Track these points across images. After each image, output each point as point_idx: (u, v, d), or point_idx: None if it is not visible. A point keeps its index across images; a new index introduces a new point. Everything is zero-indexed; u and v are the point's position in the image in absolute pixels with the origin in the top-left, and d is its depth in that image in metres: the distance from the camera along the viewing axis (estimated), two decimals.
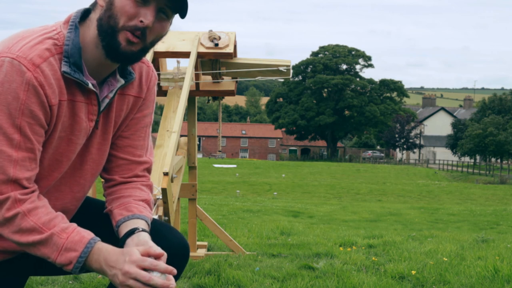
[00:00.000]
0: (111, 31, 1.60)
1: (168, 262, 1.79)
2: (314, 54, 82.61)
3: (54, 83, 1.58)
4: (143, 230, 1.70)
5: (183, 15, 1.68)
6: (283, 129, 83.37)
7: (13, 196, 1.55)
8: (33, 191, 1.61)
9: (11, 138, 1.54)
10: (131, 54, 1.64)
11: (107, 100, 1.73)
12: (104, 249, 1.60)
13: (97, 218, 1.85)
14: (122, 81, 1.74)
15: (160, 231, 1.84)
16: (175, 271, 1.58)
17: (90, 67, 1.67)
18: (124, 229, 1.72)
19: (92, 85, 1.66)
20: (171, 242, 1.82)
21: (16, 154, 1.55)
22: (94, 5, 1.68)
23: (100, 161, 1.82)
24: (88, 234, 1.61)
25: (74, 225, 1.63)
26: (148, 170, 1.92)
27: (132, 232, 1.69)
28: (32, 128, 1.56)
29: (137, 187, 1.87)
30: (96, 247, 1.60)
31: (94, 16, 1.65)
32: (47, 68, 1.57)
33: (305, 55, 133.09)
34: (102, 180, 1.92)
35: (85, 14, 1.69)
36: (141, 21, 1.60)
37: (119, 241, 1.71)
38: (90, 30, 1.65)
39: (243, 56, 4.53)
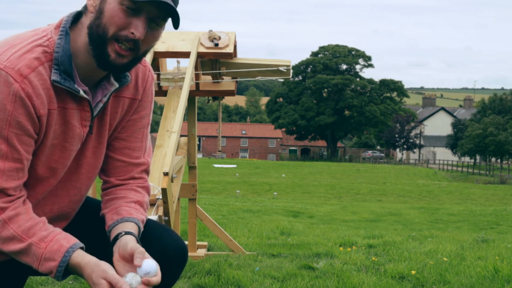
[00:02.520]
0: (101, 42, 1.57)
1: (165, 263, 1.77)
2: (314, 54, 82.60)
3: (43, 93, 1.56)
4: (127, 233, 1.67)
5: (175, 26, 1.63)
6: (283, 129, 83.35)
7: None
8: (18, 198, 1.60)
9: None
10: (122, 66, 1.62)
11: (101, 105, 1.70)
12: (78, 264, 1.58)
13: (96, 219, 1.84)
14: (116, 85, 1.71)
15: (156, 233, 1.83)
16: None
17: (83, 72, 1.64)
18: (112, 234, 1.71)
19: (84, 91, 1.64)
20: (167, 244, 1.81)
21: (3, 164, 1.54)
22: (85, 8, 1.64)
23: (96, 164, 1.81)
24: (67, 242, 1.59)
25: (55, 232, 1.62)
26: (146, 172, 1.90)
27: (116, 238, 1.68)
28: (19, 138, 1.55)
29: (132, 189, 1.85)
30: (74, 256, 1.58)
31: (85, 21, 1.61)
32: (35, 79, 1.54)
33: (306, 55, 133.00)
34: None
35: (76, 17, 1.65)
36: (132, 33, 1.57)
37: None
38: (82, 35, 1.61)
39: (244, 56, 4.54)
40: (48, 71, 1.57)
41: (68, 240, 1.60)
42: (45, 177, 1.68)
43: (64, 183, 1.75)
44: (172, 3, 1.58)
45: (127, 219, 1.74)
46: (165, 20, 1.63)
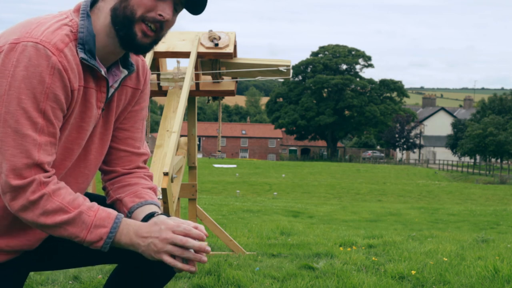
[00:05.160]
0: (128, 22, 1.63)
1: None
2: (314, 54, 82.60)
3: (75, 68, 1.61)
4: (162, 214, 1.71)
5: (198, 12, 1.72)
6: (283, 129, 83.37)
7: (38, 179, 1.55)
8: (53, 174, 1.62)
9: (36, 122, 1.54)
10: (145, 46, 1.68)
11: (112, 90, 1.76)
12: (133, 223, 1.62)
13: None
14: (126, 72, 1.78)
15: None
16: (204, 237, 1.60)
17: (99, 55, 1.69)
18: (140, 213, 1.73)
19: (103, 72, 1.69)
20: None
21: (40, 138, 1.55)
22: None
23: (102, 151, 1.84)
24: (113, 211, 1.63)
25: (97, 204, 1.65)
26: (146, 162, 1.96)
27: (152, 215, 1.69)
28: (54, 112, 1.57)
29: (142, 177, 1.89)
30: (124, 221, 1.61)
31: (104, 5, 1.67)
32: (69, 53, 1.59)
33: (307, 55, 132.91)
34: (101, 173, 1.94)
35: (93, 2, 1.71)
36: (160, 15, 1.64)
37: None
38: (100, 19, 1.67)
39: (245, 56, 4.53)
40: (75, 49, 1.62)
41: (113, 210, 1.64)
42: (60, 159, 1.69)
43: (73, 170, 1.77)
44: None
45: (151, 202, 1.78)
46: (182, 8, 1.71)
